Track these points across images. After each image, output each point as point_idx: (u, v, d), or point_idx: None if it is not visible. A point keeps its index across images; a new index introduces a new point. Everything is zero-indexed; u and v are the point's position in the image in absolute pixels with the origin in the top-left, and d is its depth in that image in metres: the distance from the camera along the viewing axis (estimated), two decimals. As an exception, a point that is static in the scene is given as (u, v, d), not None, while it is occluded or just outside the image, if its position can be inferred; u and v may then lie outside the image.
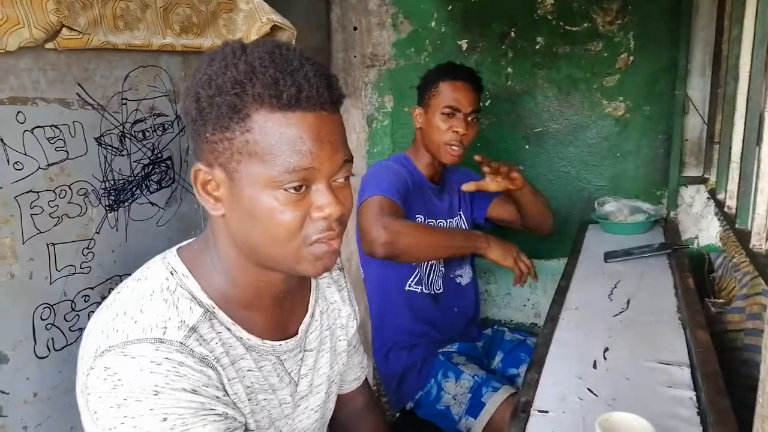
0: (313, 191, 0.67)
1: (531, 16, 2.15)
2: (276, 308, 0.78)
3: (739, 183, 1.43)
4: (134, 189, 1.45)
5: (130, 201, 1.43)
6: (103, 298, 1.33)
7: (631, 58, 2.08)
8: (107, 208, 1.36)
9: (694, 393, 0.92)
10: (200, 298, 0.70)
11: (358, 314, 0.95)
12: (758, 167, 1.25)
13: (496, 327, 1.85)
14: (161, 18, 1.47)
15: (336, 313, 0.90)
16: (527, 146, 2.24)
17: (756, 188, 1.26)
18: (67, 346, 1.26)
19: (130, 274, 1.40)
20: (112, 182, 1.38)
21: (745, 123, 1.42)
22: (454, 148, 1.59)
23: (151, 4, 1.43)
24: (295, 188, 0.65)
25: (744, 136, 1.41)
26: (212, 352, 0.68)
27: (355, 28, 2.41)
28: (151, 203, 1.50)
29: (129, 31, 1.38)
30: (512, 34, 2.19)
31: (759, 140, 1.25)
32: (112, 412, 0.62)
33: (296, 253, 0.68)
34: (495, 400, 1.44)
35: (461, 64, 1.71)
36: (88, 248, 1.31)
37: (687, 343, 1.10)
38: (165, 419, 0.61)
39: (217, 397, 0.66)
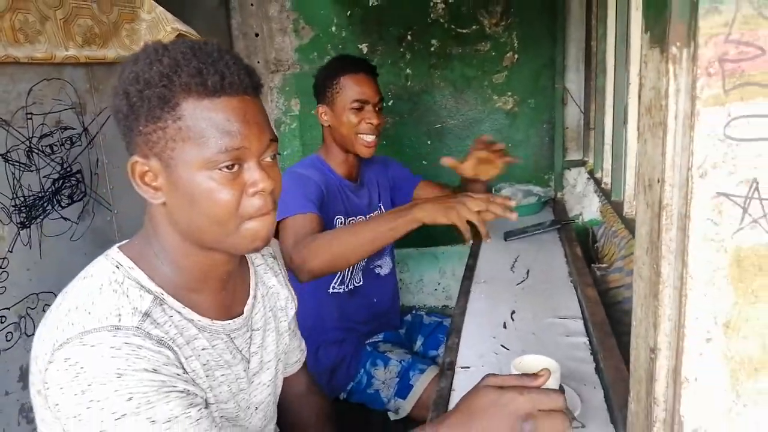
0: (245, 170, 0.73)
1: (425, 20, 2.30)
2: (221, 290, 0.82)
3: (612, 162, 1.65)
4: (45, 204, 1.42)
5: (42, 217, 1.40)
6: (21, 317, 1.32)
7: (516, 56, 2.29)
8: (19, 225, 1.33)
9: (587, 338, 1.10)
10: (148, 287, 0.73)
11: (295, 297, 1.01)
12: (626, 146, 1.47)
13: (414, 312, 1.94)
14: (62, 30, 1.45)
15: (275, 296, 0.96)
16: (429, 141, 2.40)
17: (625, 165, 1.48)
18: (-14, 367, 1.23)
19: (47, 292, 1.38)
20: (22, 199, 1.34)
21: (613, 110, 1.64)
22: (368, 139, 1.59)
23: (51, 15, 1.41)
24: (227, 167, 0.70)
25: (613, 122, 1.63)
26: (167, 333, 0.71)
27: (257, 35, 2.44)
28: (64, 218, 1.47)
29: (30, 44, 1.35)
30: (409, 37, 2.34)
31: (625, 123, 1.47)
32: (76, 399, 0.64)
33: (236, 230, 0.74)
34: (422, 381, 1.52)
35: (353, 55, 1.72)
36: (1, 267, 1.28)
37: (579, 301, 1.28)
38: (130, 399, 0.64)
39: (178, 375, 0.70)
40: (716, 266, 0.51)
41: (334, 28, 2.38)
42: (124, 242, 0.81)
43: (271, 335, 0.92)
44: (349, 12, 2.34)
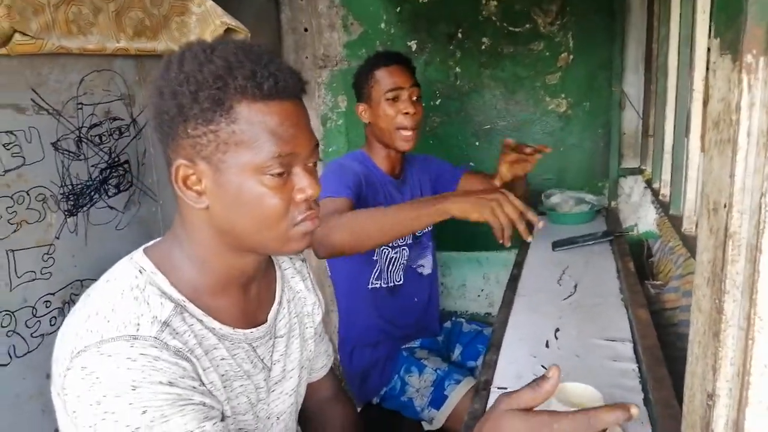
0: (293, 175, 0.73)
1: (476, 18, 2.24)
2: (244, 296, 0.81)
3: (671, 172, 1.54)
4: (92, 193, 1.45)
5: (88, 205, 1.43)
6: (65, 303, 1.34)
7: (571, 56, 2.19)
8: (66, 213, 1.35)
9: (636, 365, 1.02)
10: (170, 293, 0.72)
11: (322, 302, 0.99)
12: (687, 157, 1.37)
13: (454, 319, 1.90)
14: (114, 22, 1.47)
15: (302, 301, 0.94)
16: (477, 143, 2.33)
17: (686, 177, 1.38)
18: (29, 353, 1.25)
19: (91, 279, 1.41)
20: (70, 187, 1.37)
21: (675, 117, 1.53)
22: (406, 132, 1.57)
23: (104, 8, 1.42)
24: (279, 173, 0.70)
25: (674, 129, 1.53)
26: (186, 344, 0.70)
27: (306, 30, 2.43)
28: (110, 207, 1.50)
29: (82, 36, 1.38)
30: (459, 34, 2.27)
31: (687, 132, 1.37)
32: (91, 410, 0.63)
33: (285, 233, 0.73)
34: (458, 393, 1.48)
35: (387, 50, 1.71)
36: (48, 254, 1.30)
37: (629, 321, 1.19)
38: (144, 412, 0.63)
39: (194, 387, 0.68)
40: (791, 308, 0.45)
41: (383, 25, 2.34)
42: (150, 243, 0.80)
43: (295, 342, 0.90)
44: (398, 8, 2.30)
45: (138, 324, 0.67)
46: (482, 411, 0.88)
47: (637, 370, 1.00)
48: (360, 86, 1.64)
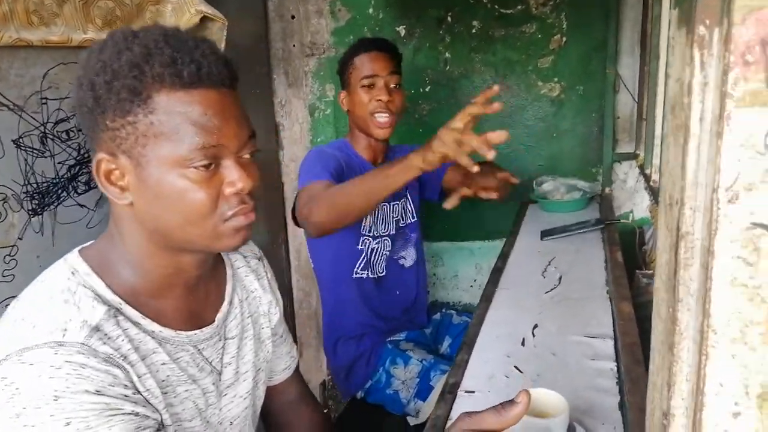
0: (223, 168, 0.69)
1: (467, 0, 2.16)
2: (188, 297, 0.78)
3: (661, 157, 1.48)
4: (60, 191, 1.40)
5: (55, 204, 1.38)
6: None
7: (564, 38, 2.12)
8: (30, 213, 1.31)
9: (615, 363, 0.96)
10: (104, 296, 0.69)
11: (280, 302, 0.95)
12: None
13: (444, 310, 1.87)
14: (81, 12, 1.41)
15: (257, 301, 0.90)
16: (468, 130, 2.26)
17: (676, 162, 1.31)
18: (-7, 357, 1.22)
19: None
20: (34, 185, 1.32)
21: (664, 100, 1.46)
22: (381, 118, 1.53)
23: (68, -3, 1.37)
24: (204, 166, 0.66)
25: (664, 113, 1.46)
26: (118, 350, 0.66)
27: (293, 17, 2.37)
28: (80, 205, 1.45)
29: (45, 27, 1.32)
30: (449, 18, 2.20)
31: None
32: (11, 423, 0.59)
33: (214, 230, 0.70)
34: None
35: (375, 37, 1.69)
36: (10, 255, 1.26)
37: (612, 316, 1.14)
38: (68, 424, 0.59)
39: (125, 396, 0.65)
40: (749, 320, 0.39)
41: (371, 10, 2.27)
42: (87, 244, 0.75)
43: (249, 343, 0.85)
44: (386, -8, 2.23)
45: (65, 329, 0.63)
46: (444, 418, 0.83)
47: (615, 369, 0.94)
48: (341, 74, 1.63)
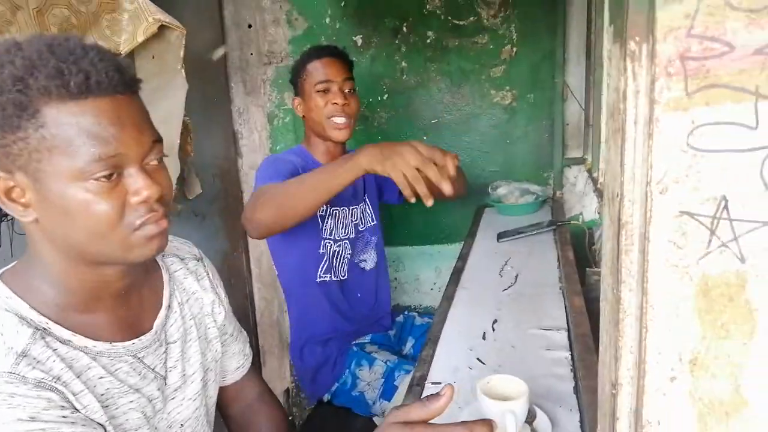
0: (126, 176, 0.67)
1: (421, 11, 2.23)
2: (120, 307, 0.76)
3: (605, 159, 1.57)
4: (18, 201, 1.38)
5: (13, 214, 1.36)
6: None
7: (515, 49, 2.21)
8: (-13, 223, 1.29)
9: (569, 353, 1.03)
10: (30, 318, 0.67)
11: (225, 300, 0.94)
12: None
13: (406, 313, 1.90)
14: (35, 20, 1.40)
15: (199, 302, 0.89)
16: (425, 137, 2.32)
17: (620, 165, 1.40)
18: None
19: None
20: (-9, 195, 1.30)
21: (607, 107, 1.56)
22: (338, 121, 1.56)
23: (23, 5, 1.36)
24: (105, 177, 0.64)
25: (607, 118, 1.55)
26: (49, 372, 0.65)
27: (250, 26, 2.38)
28: (38, 215, 1.43)
29: (-2, 35, 1.31)
30: (404, 29, 2.26)
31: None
32: None
33: (124, 241, 0.68)
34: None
35: (326, 44, 1.71)
36: (-34, 267, 1.24)
37: (565, 310, 1.21)
38: None
39: (63, 417, 0.63)
40: (681, 296, 0.45)
41: (327, 20, 2.31)
42: (7, 267, 0.73)
43: (194, 345, 0.85)
44: (343, 2, 2.28)
45: None
46: (413, 408, 0.87)
47: (569, 358, 1.01)
48: (294, 80, 1.65)
